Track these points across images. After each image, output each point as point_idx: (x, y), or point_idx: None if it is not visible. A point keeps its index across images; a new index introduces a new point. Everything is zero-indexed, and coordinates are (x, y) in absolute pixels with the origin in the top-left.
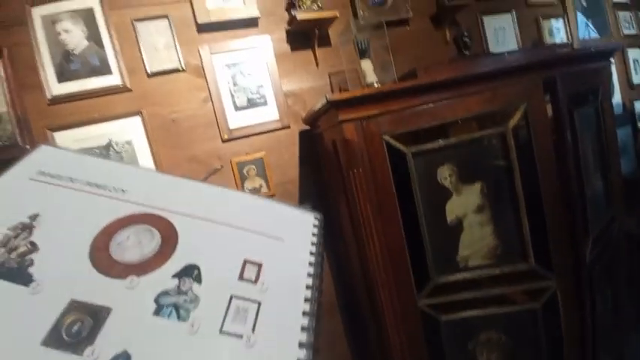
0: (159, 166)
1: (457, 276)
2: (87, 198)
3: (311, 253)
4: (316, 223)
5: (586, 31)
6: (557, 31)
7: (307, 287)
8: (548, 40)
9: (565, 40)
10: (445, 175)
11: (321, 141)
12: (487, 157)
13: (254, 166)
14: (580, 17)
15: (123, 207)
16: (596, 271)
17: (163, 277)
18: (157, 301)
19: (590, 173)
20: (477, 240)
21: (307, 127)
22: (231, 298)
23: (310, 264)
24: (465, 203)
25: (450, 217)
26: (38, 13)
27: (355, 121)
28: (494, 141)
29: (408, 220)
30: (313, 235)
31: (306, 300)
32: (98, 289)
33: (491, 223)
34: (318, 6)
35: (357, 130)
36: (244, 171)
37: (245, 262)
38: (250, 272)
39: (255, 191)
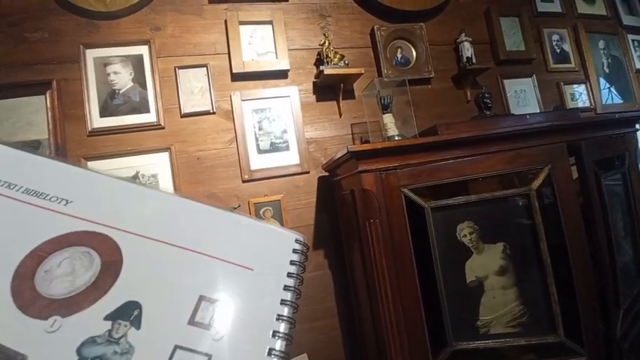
0: None
1: (477, 343)
2: (23, 209)
3: (285, 287)
4: (297, 247)
5: (609, 96)
6: (579, 95)
7: (277, 326)
8: (570, 103)
9: (587, 105)
10: (465, 232)
11: (339, 189)
12: (510, 217)
13: (271, 208)
14: (602, 82)
15: (63, 222)
16: (625, 346)
17: (94, 319)
18: (79, 351)
19: (619, 241)
20: (499, 305)
21: (326, 174)
22: (174, 350)
23: (283, 302)
24: (486, 263)
25: (470, 277)
26: (92, 54)
27: (375, 172)
28: (518, 201)
29: (424, 277)
30: (292, 263)
31: (274, 334)
32: (16, 329)
33: (515, 287)
34: (345, 63)
35: (376, 181)
36: (261, 212)
37: (200, 299)
38: (204, 313)
39: None
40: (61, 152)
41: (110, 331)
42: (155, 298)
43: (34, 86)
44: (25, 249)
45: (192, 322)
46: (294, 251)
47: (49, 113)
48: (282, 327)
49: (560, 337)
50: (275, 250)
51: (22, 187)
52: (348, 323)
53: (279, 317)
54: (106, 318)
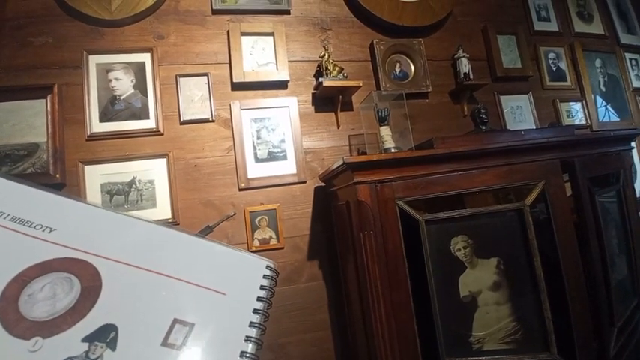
0: (175, 207)
1: (470, 359)
2: (10, 236)
3: (254, 311)
4: (267, 273)
5: (605, 114)
6: (575, 112)
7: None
8: (566, 121)
9: (584, 122)
10: (459, 246)
11: (335, 199)
12: (504, 232)
13: (266, 217)
14: (599, 100)
15: (46, 249)
16: None
17: (72, 340)
18: None
19: (614, 258)
20: (493, 320)
21: (323, 185)
22: None
23: (252, 324)
24: (479, 278)
25: (464, 291)
26: (94, 60)
27: (370, 183)
28: (512, 216)
29: (418, 290)
30: (262, 287)
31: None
32: (2, 346)
33: (508, 303)
34: (343, 75)
35: (371, 193)
36: (256, 221)
37: (174, 322)
38: (177, 335)
39: (264, 242)
40: (58, 156)
41: (87, 352)
42: (131, 321)
43: (35, 90)
44: (10, 273)
45: (165, 343)
46: (265, 277)
47: (49, 117)
48: (250, 347)
49: (553, 354)
50: (247, 275)
51: (9, 215)
52: (341, 336)
53: (248, 338)
54: (84, 340)
